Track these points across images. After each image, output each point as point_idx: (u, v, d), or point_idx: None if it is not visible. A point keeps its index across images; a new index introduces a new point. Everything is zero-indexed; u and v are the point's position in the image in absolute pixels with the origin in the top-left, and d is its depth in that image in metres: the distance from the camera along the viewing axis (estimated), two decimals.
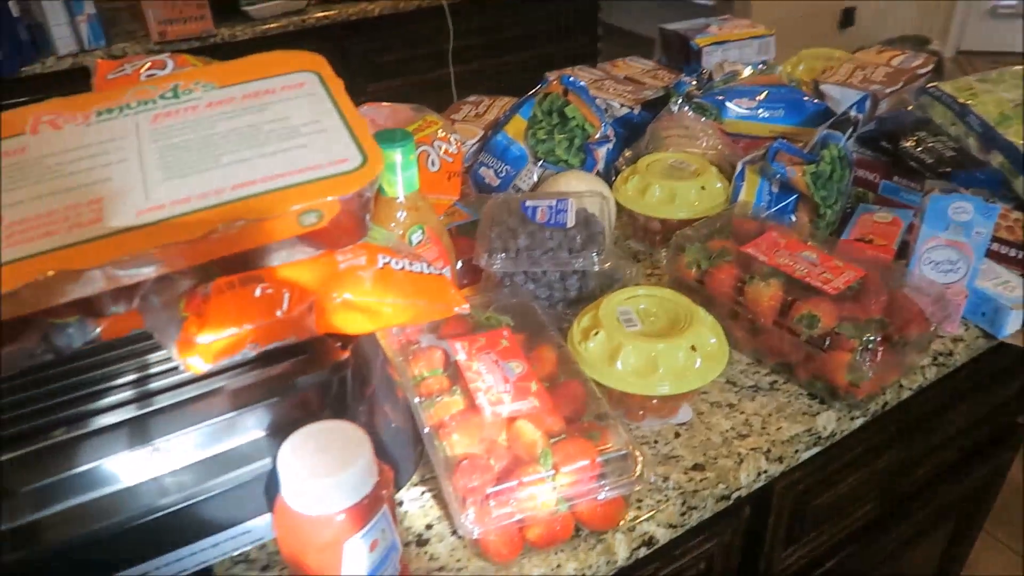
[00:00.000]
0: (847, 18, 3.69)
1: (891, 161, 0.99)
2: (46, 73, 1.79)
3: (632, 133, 1.14)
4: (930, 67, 1.12)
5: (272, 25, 2.02)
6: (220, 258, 0.51)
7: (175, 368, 0.55)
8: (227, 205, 0.49)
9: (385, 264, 0.55)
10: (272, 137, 0.55)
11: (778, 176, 0.88)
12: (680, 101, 1.01)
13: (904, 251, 0.87)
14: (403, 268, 0.56)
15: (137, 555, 0.51)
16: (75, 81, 1.84)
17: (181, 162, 0.53)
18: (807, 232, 0.86)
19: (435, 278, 0.58)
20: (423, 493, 0.65)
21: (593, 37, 2.73)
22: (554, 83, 1.06)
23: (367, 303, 0.54)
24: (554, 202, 0.81)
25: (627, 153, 1.10)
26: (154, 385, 0.53)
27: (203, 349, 0.49)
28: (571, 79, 1.06)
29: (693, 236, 0.84)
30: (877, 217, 0.94)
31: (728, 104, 1.02)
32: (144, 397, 0.52)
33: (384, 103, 0.93)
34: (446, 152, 0.89)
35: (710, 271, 0.79)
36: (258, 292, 0.51)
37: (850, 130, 0.93)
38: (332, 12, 2.11)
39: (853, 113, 0.94)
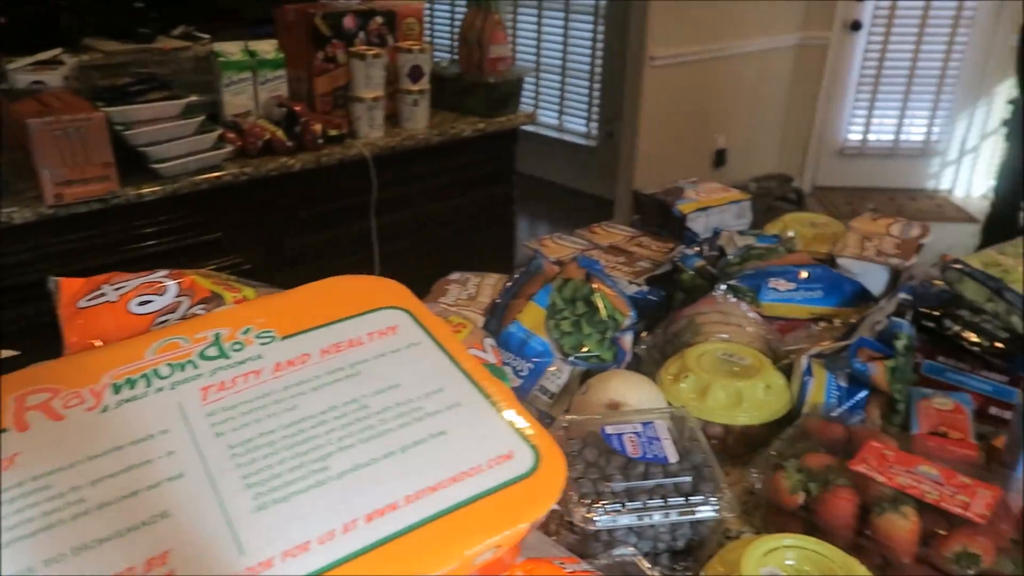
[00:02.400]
0: (720, 158, 3.91)
1: (929, 339, 0.94)
2: None
3: (641, 314, 1.04)
4: (927, 237, 1.11)
5: (184, 183, 1.84)
6: None
7: None
8: (371, 553, 0.33)
9: None
10: (389, 420, 0.40)
11: (860, 373, 0.80)
12: (724, 287, 0.93)
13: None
14: None
15: None
16: None
17: (271, 473, 0.36)
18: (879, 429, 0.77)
19: None
20: None
21: (509, 185, 2.71)
22: (571, 266, 0.96)
23: None
24: (640, 427, 0.68)
25: (645, 336, 1.00)
26: None
27: None
28: (589, 261, 0.96)
29: (785, 451, 0.73)
30: (936, 404, 0.86)
31: (765, 285, 0.94)
32: None
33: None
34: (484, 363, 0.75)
35: (823, 497, 0.68)
36: None
37: (910, 314, 0.87)
38: (248, 169, 1.96)
39: (902, 295, 0.89)
